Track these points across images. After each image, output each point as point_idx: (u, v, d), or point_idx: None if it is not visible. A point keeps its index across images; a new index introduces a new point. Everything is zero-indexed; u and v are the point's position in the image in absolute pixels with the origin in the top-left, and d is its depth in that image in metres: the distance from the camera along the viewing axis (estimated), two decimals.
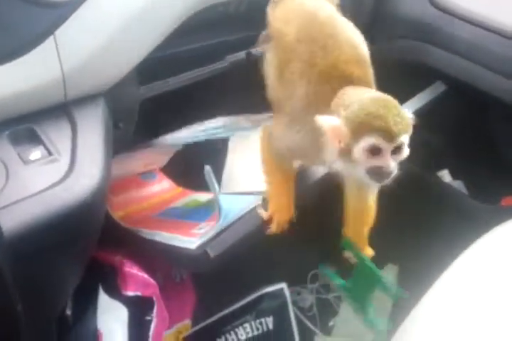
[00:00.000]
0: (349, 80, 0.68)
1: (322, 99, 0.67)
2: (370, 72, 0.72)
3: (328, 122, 0.62)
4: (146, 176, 1.01)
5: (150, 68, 0.77)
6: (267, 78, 0.84)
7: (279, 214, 0.79)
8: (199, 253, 0.69)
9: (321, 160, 0.70)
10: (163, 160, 1.03)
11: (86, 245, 0.66)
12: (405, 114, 0.63)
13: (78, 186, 0.56)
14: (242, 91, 1.00)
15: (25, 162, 0.57)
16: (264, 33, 0.90)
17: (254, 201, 0.86)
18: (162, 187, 1.02)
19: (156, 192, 1.00)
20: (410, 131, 0.63)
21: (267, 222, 0.77)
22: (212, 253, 0.67)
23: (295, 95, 0.72)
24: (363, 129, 0.61)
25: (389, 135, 0.60)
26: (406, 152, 0.64)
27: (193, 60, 0.95)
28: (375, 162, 0.62)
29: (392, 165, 0.62)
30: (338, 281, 1.02)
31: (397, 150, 0.62)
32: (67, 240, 0.59)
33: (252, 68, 1.02)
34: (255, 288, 1.19)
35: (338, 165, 0.67)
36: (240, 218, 0.77)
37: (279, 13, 0.83)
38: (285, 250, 1.26)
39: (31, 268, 0.55)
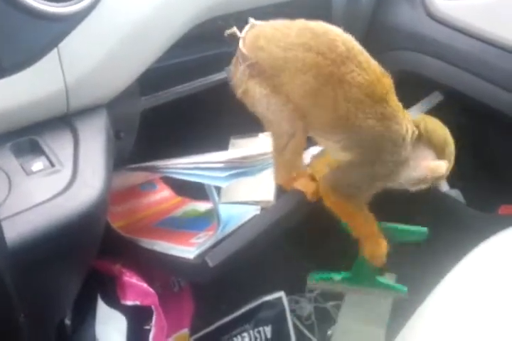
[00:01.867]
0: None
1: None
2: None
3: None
4: (145, 186, 1.02)
5: (150, 79, 0.78)
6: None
7: (379, 250, 0.85)
8: (198, 263, 0.70)
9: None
10: None
11: (86, 255, 0.67)
12: None
13: (80, 197, 0.57)
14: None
15: (28, 173, 0.58)
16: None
17: (252, 211, 0.87)
18: (162, 196, 1.03)
19: (155, 202, 1.01)
20: None
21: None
22: (211, 263, 0.67)
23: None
24: None
25: None
26: None
27: (191, 70, 0.96)
28: None
29: None
30: (336, 276, 1.01)
31: None
32: (68, 250, 0.59)
33: None
34: (253, 296, 1.19)
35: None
36: (238, 228, 0.78)
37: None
38: (283, 259, 1.27)
39: (32, 278, 0.55)
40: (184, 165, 0.78)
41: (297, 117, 0.74)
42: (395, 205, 1.29)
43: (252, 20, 0.78)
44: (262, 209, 0.86)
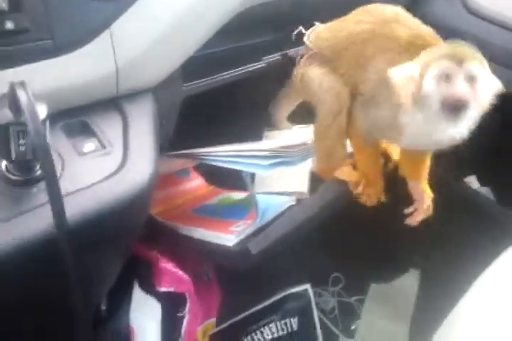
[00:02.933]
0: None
1: None
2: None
3: (397, 71, 0.65)
4: (180, 174, 1.02)
5: (192, 66, 0.78)
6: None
7: (370, 189, 0.82)
8: (240, 250, 0.70)
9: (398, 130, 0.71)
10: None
11: (129, 239, 0.67)
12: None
13: (130, 180, 0.56)
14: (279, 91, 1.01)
15: (80, 153, 0.57)
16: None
17: (288, 201, 0.86)
18: (196, 184, 1.03)
19: (190, 189, 1.01)
20: (483, 62, 0.65)
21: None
22: (253, 250, 0.67)
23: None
24: (431, 60, 0.64)
25: (456, 58, 0.62)
26: (484, 86, 0.64)
27: (232, 59, 0.96)
28: (448, 90, 0.63)
29: (466, 91, 0.63)
30: None
31: (470, 80, 0.63)
32: (113, 234, 0.59)
33: (288, 69, 1.03)
34: (278, 288, 1.19)
35: (415, 121, 0.68)
36: (277, 217, 0.78)
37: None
38: (308, 251, 1.27)
39: (78, 260, 0.55)
40: (226, 153, 0.77)
41: (346, 95, 0.77)
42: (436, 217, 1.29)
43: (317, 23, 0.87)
44: (298, 200, 0.85)
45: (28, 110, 0.41)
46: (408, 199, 0.90)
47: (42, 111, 0.46)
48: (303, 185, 0.92)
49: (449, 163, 1.30)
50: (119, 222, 0.59)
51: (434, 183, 1.29)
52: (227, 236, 0.76)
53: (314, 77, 0.80)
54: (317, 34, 0.84)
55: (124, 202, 0.56)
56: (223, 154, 0.78)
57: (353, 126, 0.77)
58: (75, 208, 0.52)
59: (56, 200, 0.42)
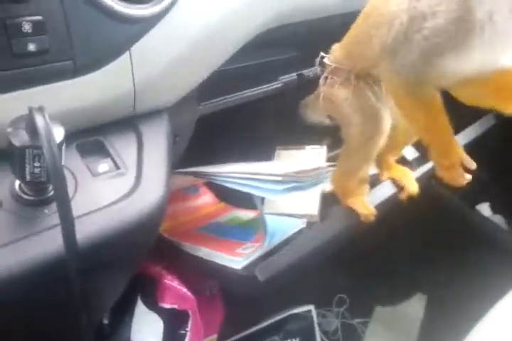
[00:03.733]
0: None
1: None
2: None
3: None
4: (189, 190, 1.02)
5: (208, 85, 0.78)
6: None
7: (448, 160, 0.69)
8: (248, 275, 0.69)
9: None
10: None
11: (138, 258, 0.66)
12: None
13: (143, 202, 0.56)
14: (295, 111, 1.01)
15: (94, 174, 0.57)
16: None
17: (298, 224, 0.86)
18: (205, 200, 1.03)
19: (198, 206, 1.01)
20: None
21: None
22: (261, 277, 0.67)
23: None
24: None
25: None
26: None
27: (244, 78, 0.96)
28: None
29: None
30: None
31: None
32: (124, 254, 0.59)
33: (304, 89, 1.03)
34: (281, 307, 1.18)
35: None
36: (288, 241, 0.77)
37: None
38: (313, 272, 1.26)
39: (90, 278, 0.55)
40: (239, 175, 0.77)
41: (381, 117, 0.74)
42: (431, 226, 1.28)
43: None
44: (308, 222, 0.85)
45: (45, 136, 0.41)
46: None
47: (59, 134, 0.46)
48: (313, 208, 0.92)
49: (463, 189, 1.30)
50: (130, 243, 0.58)
51: (447, 209, 1.29)
52: (236, 259, 0.75)
53: (343, 98, 0.78)
54: (333, 51, 0.84)
55: (136, 224, 0.56)
56: (235, 176, 0.77)
57: (391, 82, 0.69)
58: (87, 230, 0.52)
59: (67, 225, 0.42)
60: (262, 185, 0.75)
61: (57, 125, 0.46)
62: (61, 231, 0.44)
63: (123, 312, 0.87)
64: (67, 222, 0.41)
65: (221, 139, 1.05)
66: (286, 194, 0.76)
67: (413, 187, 0.83)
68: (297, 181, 0.78)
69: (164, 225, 0.91)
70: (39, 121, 0.41)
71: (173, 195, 0.97)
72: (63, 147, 0.47)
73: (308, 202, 0.93)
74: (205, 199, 1.04)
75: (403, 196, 0.84)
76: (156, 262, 0.89)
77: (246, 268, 0.72)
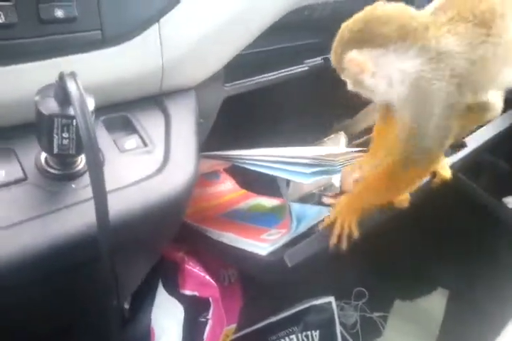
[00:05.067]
0: None
1: None
2: None
3: None
4: (209, 176, 0.99)
5: (234, 66, 0.76)
6: None
7: None
8: (275, 261, 0.67)
9: None
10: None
11: (163, 241, 0.64)
12: None
13: (172, 180, 0.54)
14: (320, 95, 0.98)
15: (121, 150, 0.55)
16: None
17: (324, 211, 0.83)
18: (225, 187, 1.00)
19: (220, 192, 0.98)
20: None
21: None
22: (290, 263, 0.64)
23: None
24: None
25: None
26: None
27: (274, 61, 0.94)
28: None
29: None
30: None
31: None
32: (150, 235, 0.57)
33: (329, 73, 1.00)
34: (301, 298, 1.16)
35: None
36: (313, 228, 0.74)
37: None
38: (333, 264, 1.24)
39: (115, 259, 0.53)
40: (266, 158, 0.74)
41: None
42: (456, 219, 1.25)
43: None
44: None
45: (78, 103, 0.39)
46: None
47: (90, 104, 0.44)
48: (334, 179, 0.90)
49: (489, 182, 1.26)
50: (157, 223, 0.56)
51: (473, 202, 1.26)
52: (261, 244, 0.73)
53: None
54: None
55: (164, 203, 0.54)
56: (262, 159, 0.74)
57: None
58: (115, 207, 0.49)
59: (100, 201, 0.39)
60: (290, 168, 0.72)
61: (88, 94, 0.44)
62: (94, 206, 0.42)
63: (144, 297, 0.85)
64: (101, 197, 0.39)
65: (247, 124, 1.02)
66: (315, 177, 0.73)
67: (446, 173, 0.80)
68: (326, 165, 0.75)
69: (187, 210, 0.89)
70: (71, 87, 0.39)
71: None
72: (93, 118, 0.45)
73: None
74: (226, 186, 1.02)
75: (436, 181, 0.80)
76: (179, 247, 0.87)
77: (271, 254, 0.70)
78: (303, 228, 0.76)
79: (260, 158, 0.75)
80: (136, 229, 0.53)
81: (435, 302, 1.33)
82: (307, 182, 0.72)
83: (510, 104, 1.10)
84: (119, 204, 0.50)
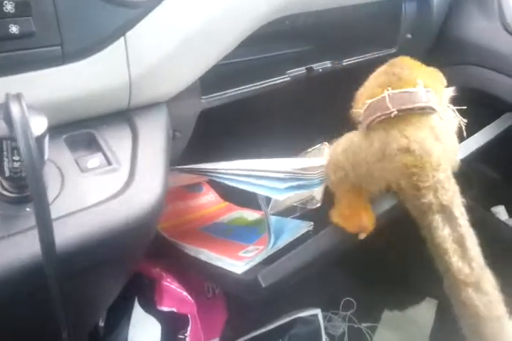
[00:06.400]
0: None
1: None
2: None
3: None
4: (192, 188, 0.97)
5: (211, 77, 0.74)
6: None
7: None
8: (249, 280, 0.65)
9: None
10: None
11: (133, 261, 0.62)
12: None
13: (137, 201, 0.52)
14: (301, 106, 0.96)
15: (83, 170, 0.53)
16: None
17: (304, 227, 0.81)
18: (208, 199, 0.98)
19: (201, 205, 0.96)
20: None
21: None
22: (264, 283, 0.62)
23: None
24: None
25: None
26: None
27: (253, 71, 0.92)
28: None
29: None
30: None
31: None
32: (116, 256, 0.55)
33: (312, 84, 0.99)
34: (286, 310, 1.14)
35: None
36: (293, 246, 0.72)
37: None
38: (320, 274, 1.22)
39: (75, 284, 0.51)
40: (238, 172, 0.72)
41: None
42: None
43: None
44: (315, 225, 0.80)
45: (20, 126, 0.37)
46: None
47: (40, 125, 0.41)
48: (317, 193, 0.88)
49: (478, 191, 1.25)
50: (123, 244, 0.54)
51: None
52: (237, 263, 0.71)
53: None
54: None
55: (129, 225, 0.51)
56: (236, 173, 0.72)
57: None
58: (74, 230, 0.48)
59: (45, 229, 0.37)
60: (263, 183, 0.69)
61: (38, 115, 0.42)
62: (38, 235, 0.39)
63: (119, 315, 0.83)
64: (45, 226, 0.37)
65: (226, 137, 1.00)
66: (290, 193, 0.70)
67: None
68: (302, 179, 0.72)
69: (165, 224, 0.87)
70: (14, 109, 0.37)
71: (175, 193, 0.93)
72: (45, 140, 0.43)
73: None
74: (209, 198, 1.00)
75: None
76: (155, 263, 0.85)
77: (246, 272, 0.68)
78: (281, 244, 0.74)
79: (234, 172, 0.72)
80: (98, 252, 0.51)
81: (424, 312, 1.32)
82: (281, 198, 0.69)
83: (497, 114, 1.10)
84: (77, 228, 0.48)
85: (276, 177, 0.70)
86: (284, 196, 0.69)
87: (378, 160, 0.63)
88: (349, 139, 0.69)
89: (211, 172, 0.75)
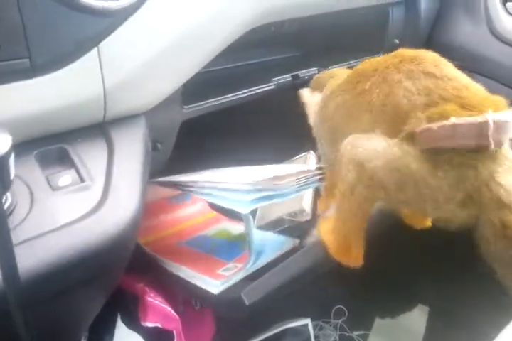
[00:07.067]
0: None
1: None
2: None
3: None
4: (180, 199, 0.95)
5: (193, 87, 0.72)
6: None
7: None
8: (233, 299, 0.62)
9: None
10: None
11: (111, 280, 0.60)
12: None
13: (111, 219, 0.50)
14: (286, 114, 0.94)
15: (53, 188, 0.50)
16: None
17: (289, 243, 0.79)
18: (196, 209, 0.96)
19: (188, 215, 0.94)
20: None
21: None
22: (247, 301, 0.60)
23: None
24: None
25: None
26: None
27: (236, 80, 0.90)
28: None
29: None
30: None
31: None
32: (92, 277, 0.52)
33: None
34: (275, 321, 1.12)
35: None
36: (277, 263, 0.69)
37: None
38: (310, 282, 1.20)
39: (51, 305, 0.49)
40: (203, 184, 0.69)
41: None
42: (433, 236, 1.22)
43: None
44: (300, 241, 0.78)
45: None
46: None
47: (3, 144, 0.39)
48: (305, 205, 0.86)
49: None
50: (98, 264, 0.52)
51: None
52: (214, 282, 0.68)
53: None
54: None
55: (103, 244, 0.49)
56: (199, 185, 0.69)
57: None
58: (43, 252, 0.45)
59: (6, 250, 0.35)
60: (229, 196, 0.65)
61: (1, 132, 0.39)
62: None
63: (102, 333, 0.80)
64: (6, 250, 0.34)
65: (210, 147, 0.98)
66: (255, 205, 0.65)
67: None
68: (269, 189, 0.67)
69: (148, 238, 0.85)
70: None
71: (158, 206, 0.91)
72: (11, 159, 0.41)
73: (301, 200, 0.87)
74: (196, 207, 0.97)
75: None
76: (139, 278, 0.83)
77: (224, 292, 0.65)
78: (261, 262, 0.72)
79: (198, 184, 0.69)
80: (73, 273, 0.49)
81: (416, 319, 1.30)
82: (245, 211, 0.65)
83: None
84: (47, 250, 0.45)
85: (243, 190, 0.66)
86: (249, 209, 0.65)
87: (451, 199, 0.53)
88: (388, 151, 0.56)
89: (180, 184, 0.72)
